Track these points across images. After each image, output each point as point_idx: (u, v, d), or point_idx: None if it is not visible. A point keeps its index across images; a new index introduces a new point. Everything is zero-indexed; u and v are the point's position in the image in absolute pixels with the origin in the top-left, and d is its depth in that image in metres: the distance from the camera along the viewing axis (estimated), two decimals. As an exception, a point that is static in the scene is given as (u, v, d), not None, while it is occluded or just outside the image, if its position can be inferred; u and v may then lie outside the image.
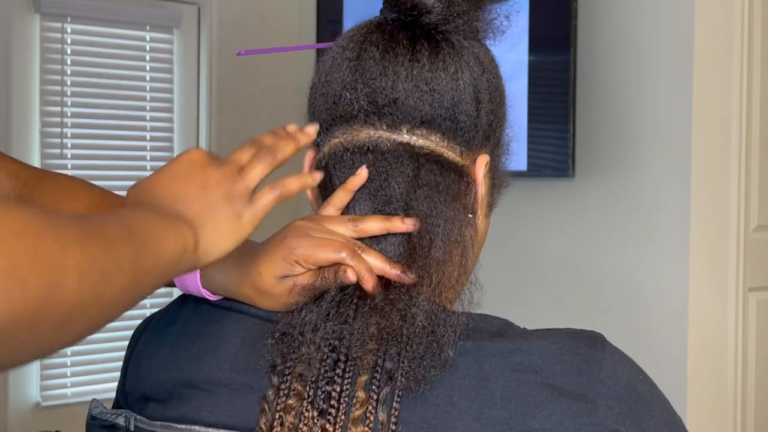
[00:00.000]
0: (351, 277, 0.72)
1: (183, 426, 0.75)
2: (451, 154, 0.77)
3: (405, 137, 0.75)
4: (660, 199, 2.45)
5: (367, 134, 0.76)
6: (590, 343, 0.71)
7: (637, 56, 2.51)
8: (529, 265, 2.78)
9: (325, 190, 0.79)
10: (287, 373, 0.72)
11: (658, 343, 2.43)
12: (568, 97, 2.57)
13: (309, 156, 0.81)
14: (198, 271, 0.77)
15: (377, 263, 0.74)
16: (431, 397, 0.69)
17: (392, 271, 0.73)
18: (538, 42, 2.65)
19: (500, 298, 2.78)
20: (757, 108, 2.48)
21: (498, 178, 0.83)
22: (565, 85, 2.57)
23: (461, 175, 0.77)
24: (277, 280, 0.74)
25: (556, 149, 2.62)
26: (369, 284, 0.72)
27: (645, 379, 0.72)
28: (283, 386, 0.71)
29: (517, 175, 2.72)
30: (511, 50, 2.69)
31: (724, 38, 2.42)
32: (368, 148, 0.76)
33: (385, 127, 0.75)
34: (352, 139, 0.76)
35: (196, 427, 0.74)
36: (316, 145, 0.80)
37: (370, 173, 0.76)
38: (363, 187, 0.76)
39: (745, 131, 2.46)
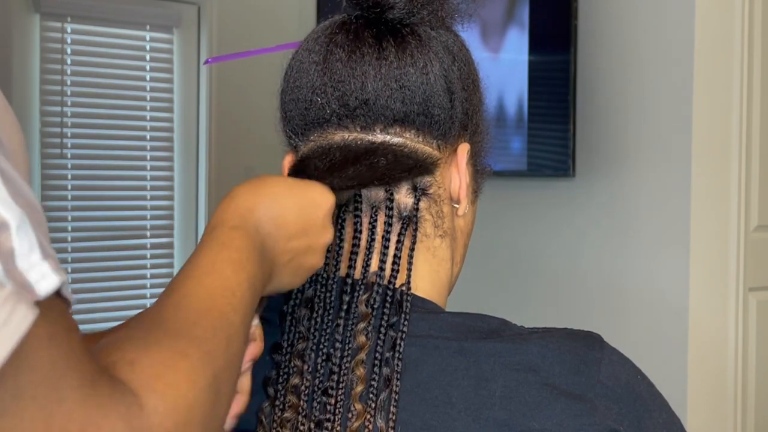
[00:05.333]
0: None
1: (181, 427, 0.74)
2: (428, 148, 0.76)
3: (379, 137, 0.75)
4: (660, 198, 2.45)
5: (341, 137, 0.75)
6: (588, 343, 0.71)
7: (637, 56, 2.51)
8: (528, 265, 2.78)
9: None
10: (281, 385, 0.71)
11: (658, 343, 2.43)
12: (568, 97, 2.57)
13: (287, 160, 0.81)
14: None
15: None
16: (430, 398, 0.69)
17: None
18: (538, 42, 2.65)
19: (500, 298, 2.78)
20: (757, 108, 2.48)
21: (480, 164, 0.82)
22: (565, 85, 2.57)
23: (429, 171, 0.77)
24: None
25: (556, 149, 2.62)
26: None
27: (643, 379, 0.72)
28: (278, 400, 0.71)
29: (517, 175, 2.72)
30: (511, 50, 2.69)
31: (724, 38, 2.42)
32: (339, 150, 0.75)
33: (359, 129, 0.75)
34: (326, 142, 0.76)
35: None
36: (294, 148, 0.80)
37: (319, 165, 0.75)
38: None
39: (746, 131, 2.46)
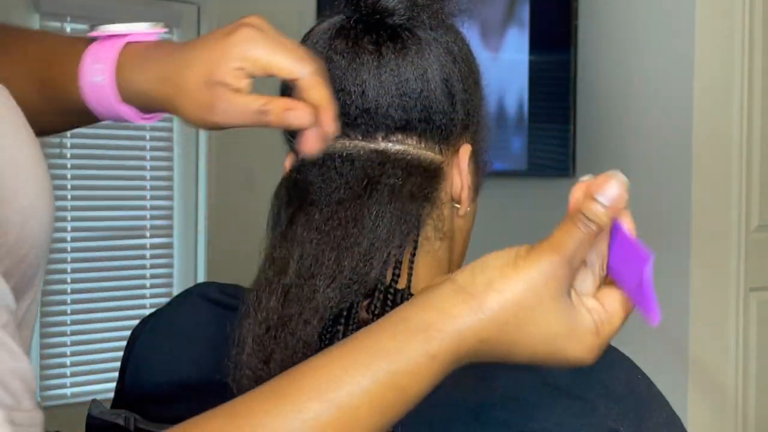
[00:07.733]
0: (302, 119, 0.69)
1: (182, 427, 0.74)
2: (430, 154, 0.76)
3: (381, 145, 0.74)
4: (660, 198, 2.45)
5: (342, 144, 0.74)
6: (588, 343, 0.71)
7: (637, 56, 2.51)
8: (529, 265, 2.78)
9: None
10: None
11: (658, 343, 2.43)
12: (568, 97, 2.57)
13: (288, 161, 0.80)
14: (114, 84, 0.67)
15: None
16: (430, 397, 0.69)
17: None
18: (538, 42, 2.65)
19: (500, 298, 2.78)
20: (758, 108, 2.48)
21: (481, 161, 0.81)
22: (565, 85, 2.57)
23: (435, 176, 0.76)
24: (205, 85, 0.69)
25: (556, 149, 2.62)
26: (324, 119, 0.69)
27: (643, 378, 0.72)
28: None
29: (517, 175, 2.72)
30: (511, 50, 2.69)
31: (724, 38, 2.42)
32: (342, 159, 0.74)
33: (360, 137, 0.74)
34: (328, 148, 0.75)
35: (195, 428, 0.74)
36: (295, 150, 0.79)
37: (337, 184, 0.74)
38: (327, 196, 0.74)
39: (746, 131, 2.45)
